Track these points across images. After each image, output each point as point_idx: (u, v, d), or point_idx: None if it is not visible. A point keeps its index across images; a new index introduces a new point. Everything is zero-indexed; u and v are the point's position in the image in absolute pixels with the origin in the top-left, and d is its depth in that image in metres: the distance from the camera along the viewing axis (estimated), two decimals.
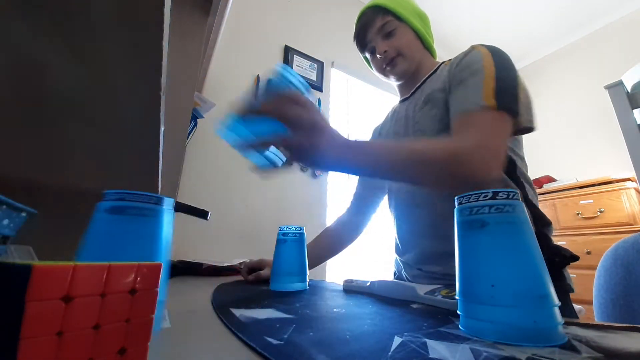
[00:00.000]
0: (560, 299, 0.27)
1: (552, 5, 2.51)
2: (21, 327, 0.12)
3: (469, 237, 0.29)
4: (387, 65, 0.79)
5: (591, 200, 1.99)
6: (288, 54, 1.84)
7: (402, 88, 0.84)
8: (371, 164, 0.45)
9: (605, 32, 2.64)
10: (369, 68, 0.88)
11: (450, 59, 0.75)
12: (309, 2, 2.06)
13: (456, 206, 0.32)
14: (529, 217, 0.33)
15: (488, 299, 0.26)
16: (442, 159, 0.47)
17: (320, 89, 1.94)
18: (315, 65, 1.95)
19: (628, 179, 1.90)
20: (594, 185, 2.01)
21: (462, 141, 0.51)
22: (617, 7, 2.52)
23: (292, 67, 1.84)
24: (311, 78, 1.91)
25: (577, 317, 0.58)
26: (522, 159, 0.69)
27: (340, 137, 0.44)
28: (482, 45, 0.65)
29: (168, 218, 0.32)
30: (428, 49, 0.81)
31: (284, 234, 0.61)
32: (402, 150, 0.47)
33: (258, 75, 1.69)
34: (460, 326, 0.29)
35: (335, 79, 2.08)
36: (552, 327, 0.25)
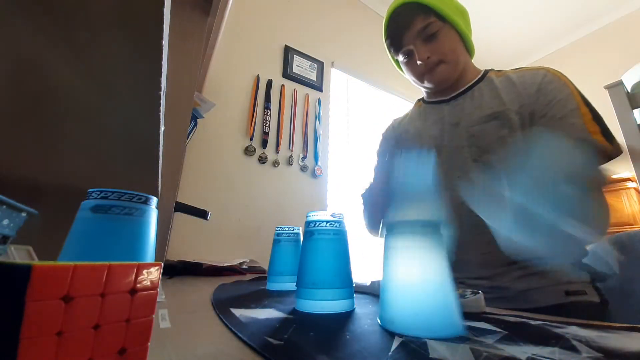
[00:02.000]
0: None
1: (552, 5, 2.51)
2: (21, 327, 0.12)
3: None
4: (427, 72, 0.70)
5: None
6: (288, 54, 1.84)
7: (436, 90, 0.76)
8: None
9: (605, 32, 2.64)
10: (399, 71, 0.80)
11: (498, 70, 0.71)
12: (309, 2, 2.06)
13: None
14: None
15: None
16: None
17: (320, 89, 1.94)
18: (315, 65, 1.95)
19: (628, 179, 1.90)
20: None
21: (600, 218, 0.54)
22: (617, 7, 2.52)
23: (292, 67, 1.84)
24: (311, 78, 1.91)
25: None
26: None
27: None
28: (553, 69, 0.63)
29: (152, 217, 0.32)
30: (469, 49, 0.72)
31: (278, 235, 0.62)
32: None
33: (258, 75, 1.69)
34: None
35: (335, 79, 2.08)
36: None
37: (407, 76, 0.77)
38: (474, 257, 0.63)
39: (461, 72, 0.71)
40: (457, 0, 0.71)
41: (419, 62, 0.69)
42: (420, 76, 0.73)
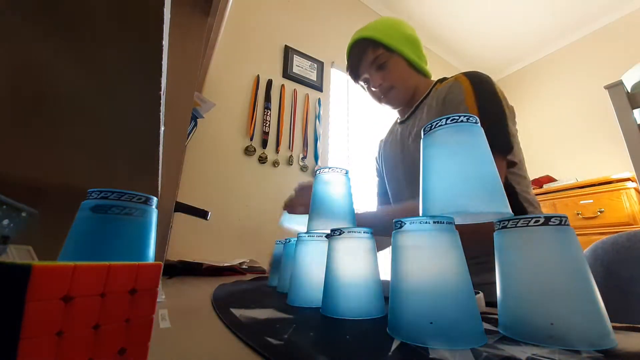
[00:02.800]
0: None
1: (552, 5, 2.51)
2: (21, 327, 0.12)
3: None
4: (383, 96, 0.81)
5: (591, 200, 1.99)
6: (288, 54, 1.84)
7: (396, 110, 0.87)
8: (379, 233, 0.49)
9: (605, 32, 2.64)
10: (365, 92, 0.90)
11: (444, 80, 0.76)
12: (309, 2, 2.06)
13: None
14: None
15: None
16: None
17: (320, 89, 1.94)
18: (315, 65, 1.95)
19: (628, 179, 1.90)
20: (594, 185, 2.01)
21: None
22: (617, 7, 2.52)
23: (292, 67, 1.84)
24: (311, 78, 1.91)
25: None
26: (524, 177, 0.69)
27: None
28: (465, 75, 0.67)
29: (153, 217, 0.32)
30: (422, 72, 0.82)
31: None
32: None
33: (258, 75, 1.69)
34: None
35: (335, 79, 2.08)
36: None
37: (371, 99, 0.87)
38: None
39: (413, 93, 0.81)
40: (406, 31, 0.80)
41: (373, 89, 0.81)
42: (378, 100, 0.84)
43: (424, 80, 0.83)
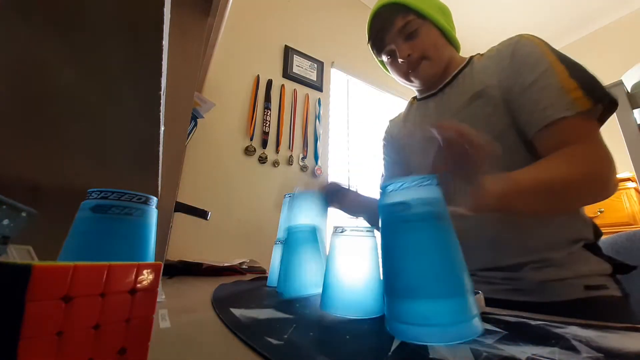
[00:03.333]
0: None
1: (552, 5, 2.51)
2: (21, 327, 0.12)
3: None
4: (411, 69, 0.71)
5: None
6: (288, 54, 1.84)
7: (424, 87, 0.75)
8: (529, 206, 0.45)
9: (605, 32, 2.64)
10: (385, 72, 0.81)
11: (482, 54, 0.69)
12: (309, 2, 2.06)
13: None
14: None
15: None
16: (586, 185, 0.47)
17: (320, 89, 1.94)
18: (315, 65, 1.95)
19: (628, 179, 1.90)
20: None
21: (595, 161, 0.49)
22: (616, 8, 2.52)
23: (292, 67, 1.84)
24: (311, 78, 1.91)
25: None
26: None
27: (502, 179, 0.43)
28: (528, 34, 0.60)
29: (152, 217, 0.32)
30: (453, 44, 0.73)
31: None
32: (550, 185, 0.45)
33: (258, 75, 1.69)
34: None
35: (335, 79, 2.08)
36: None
37: (394, 77, 0.77)
38: (479, 244, 0.59)
39: (446, 66, 0.71)
40: (440, 2, 0.72)
41: (400, 61, 0.70)
42: (405, 75, 0.73)
43: (456, 54, 0.73)
